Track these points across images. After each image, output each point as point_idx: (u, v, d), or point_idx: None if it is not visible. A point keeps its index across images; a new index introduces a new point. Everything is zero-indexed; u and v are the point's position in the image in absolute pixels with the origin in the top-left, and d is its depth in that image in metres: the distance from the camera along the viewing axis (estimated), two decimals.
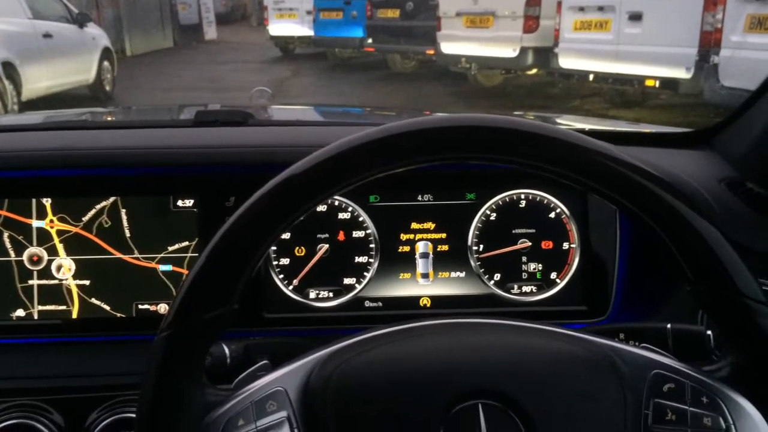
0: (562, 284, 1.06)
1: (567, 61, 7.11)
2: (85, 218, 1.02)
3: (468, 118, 0.63)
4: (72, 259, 1.02)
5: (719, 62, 5.34)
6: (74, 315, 1.02)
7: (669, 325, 0.81)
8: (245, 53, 14.91)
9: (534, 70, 7.98)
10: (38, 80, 7.57)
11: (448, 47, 8.65)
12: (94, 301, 1.02)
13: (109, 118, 1.70)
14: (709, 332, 0.79)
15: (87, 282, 1.02)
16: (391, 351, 0.64)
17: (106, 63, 9.41)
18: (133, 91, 9.97)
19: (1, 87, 6.78)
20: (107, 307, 1.03)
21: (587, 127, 1.53)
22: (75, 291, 1.02)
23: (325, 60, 12.57)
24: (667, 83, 6.07)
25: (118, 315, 1.03)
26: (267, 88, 1.82)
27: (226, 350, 0.83)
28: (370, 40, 10.41)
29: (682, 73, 5.81)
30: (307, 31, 12.33)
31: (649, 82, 6.26)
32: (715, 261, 0.61)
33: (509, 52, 7.78)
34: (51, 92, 7.96)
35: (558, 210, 1.06)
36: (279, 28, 13.19)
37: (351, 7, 11.05)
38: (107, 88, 9.47)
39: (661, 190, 0.62)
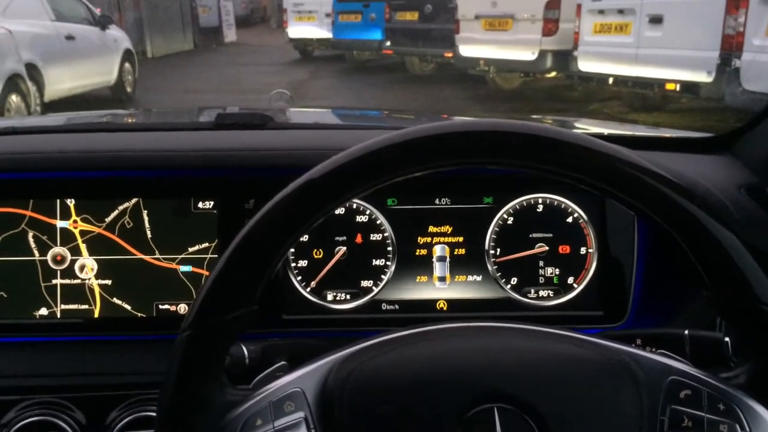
0: (579, 289, 1.06)
1: (586, 65, 7.06)
2: (108, 219, 1.04)
3: (489, 123, 0.63)
4: (94, 259, 1.04)
5: (741, 66, 5.28)
6: (96, 314, 1.04)
7: (686, 331, 0.81)
8: (264, 55, 15.00)
9: (553, 74, 7.94)
10: (61, 82, 7.67)
11: (466, 50, 8.64)
12: (115, 300, 1.04)
13: (131, 120, 1.73)
14: (726, 339, 0.79)
15: (109, 282, 1.04)
16: (407, 354, 0.65)
17: (127, 65, 9.52)
18: (154, 92, 10.07)
19: (24, 88, 6.88)
20: (128, 307, 1.04)
21: (606, 131, 1.52)
22: (97, 290, 1.04)
23: (344, 62, 12.61)
24: (688, 87, 6.00)
25: (139, 315, 1.04)
26: (286, 90, 1.84)
27: (245, 351, 0.84)
28: (388, 43, 10.43)
29: (703, 77, 5.75)
30: (326, 33, 12.38)
31: (669, 86, 6.20)
32: (734, 268, 0.61)
33: (528, 55, 7.76)
34: (73, 93, 8.05)
35: (576, 214, 1.06)
36: (298, 30, 13.25)
37: (370, 9, 11.07)
38: (128, 89, 9.57)
39: (680, 196, 0.62)
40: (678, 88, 6.13)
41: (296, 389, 0.63)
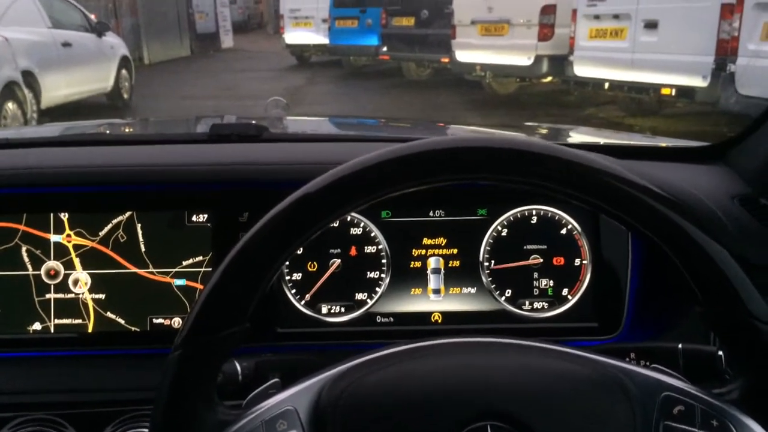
0: (573, 301, 1.06)
1: (582, 69, 7.08)
2: (102, 233, 1.03)
3: (481, 139, 0.64)
4: (88, 273, 1.04)
5: (736, 71, 5.30)
6: (90, 329, 1.04)
7: (680, 345, 0.81)
8: (261, 61, 15.02)
9: (549, 78, 7.96)
10: (57, 89, 7.67)
11: (462, 55, 8.66)
12: (109, 315, 1.04)
13: (126, 131, 1.72)
14: (720, 353, 0.79)
15: (102, 296, 1.04)
16: (401, 371, 0.65)
17: (124, 71, 9.52)
18: (151, 99, 10.07)
19: (21, 96, 6.87)
20: (122, 321, 1.04)
21: (601, 141, 1.53)
22: (91, 305, 1.04)
23: (340, 68, 12.62)
24: (684, 91, 6.02)
25: (133, 329, 1.04)
26: (282, 97, 1.84)
27: (238, 367, 0.84)
28: (385, 48, 10.44)
29: (698, 82, 5.76)
30: (322, 39, 12.40)
31: (665, 91, 6.22)
32: (725, 284, 0.61)
33: (524, 60, 7.77)
34: (70, 100, 8.05)
35: (570, 226, 1.06)
36: (295, 36, 13.27)
37: (366, 15, 11.09)
38: (125, 96, 9.57)
39: (671, 212, 0.62)
40: (673, 93, 6.16)
41: (289, 407, 0.63)
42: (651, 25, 6.28)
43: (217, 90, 10.61)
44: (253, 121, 1.36)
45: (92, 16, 9.19)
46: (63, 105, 7.84)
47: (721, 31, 5.50)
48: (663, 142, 1.55)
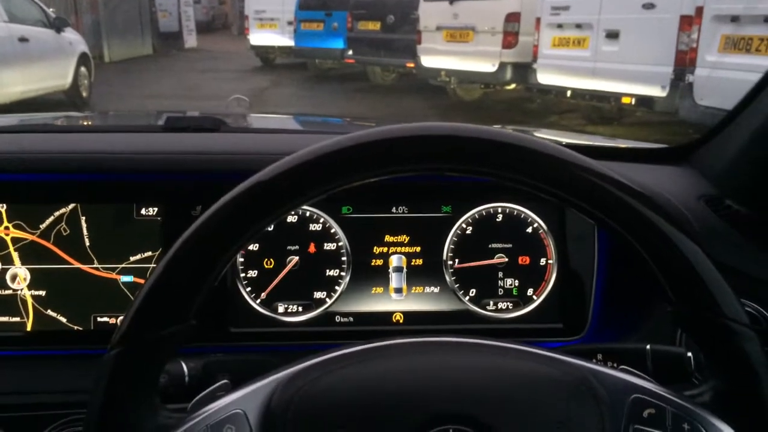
0: (538, 301, 1.03)
1: (545, 77, 7.16)
2: (43, 225, 0.97)
3: (444, 127, 0.60)
4: (27, 268, 0.97)
5: (694, 81, 5.41)
6: (29, 327, 0.97)
7: (648, 346, 0.78)
8: (225, 62, 14.83)
9: (513, 85, 8.03)
10: (13, 85, 7.44)
11: (428, 61, 8.68)
12: (50, 312, 0.97)
13: (82, 123, 1.65)
14: (689, 354, 0.77)
15: (43, 292, 0.97)
16: (357, 372, 0.60)
17: (83, 69, 9.29)
18: (111, 97, 9.83)
19: None
20: (64, 319, 0.98)
21: (565, 140, 1.51)
22: (30, 302, 0.97)
23: (306, 71, 12.55)
24: (643, 101, 6.13)
25: (75, 328, 0.98)
26: (245, 96, 1.78)
27: (185, 368, 0.78)
28: (350, 52, 10.42)
29: (657, 91, 5.88)
30: (287, 41, 12.32)
31: (625, 100, 6.32)
32: (698, 281, 0.59)
33: (488, 66, 7.83)
34: (26, 97, 7.82)
35: (535, 224, 1.04)
36: (260, 37, 13.16)
37: (332, 18, 11.06)
38: (84, 94, 9.34)
39: (643, 206, 0.59)
40: (634, 102, 6.26)
41: (237, 411, 0.58)
42: (612, 35, 6.39)
43: (179, 90, 10.43)
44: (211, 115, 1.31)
45: (51, 12, 8.95)
46: (19, 101, 7.60)
47: (680, 42, 5.62)
48: (627, 144, 1.54)
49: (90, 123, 1.61)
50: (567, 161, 0.59)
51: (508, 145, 0.59)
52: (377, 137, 0.58)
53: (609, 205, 0.59)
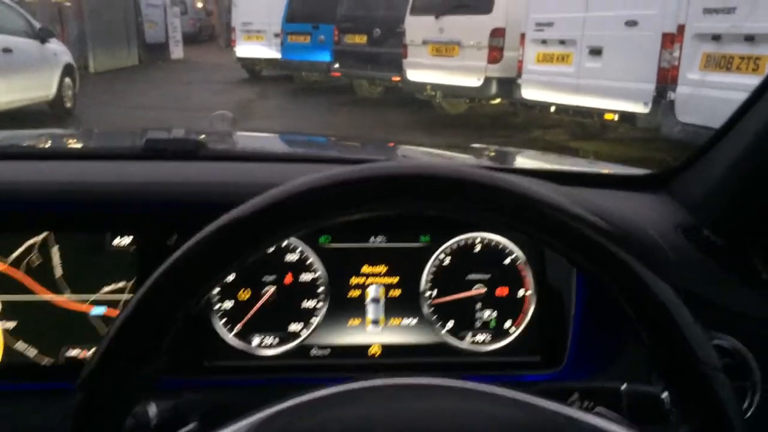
0: (516, 333, 1.03)
1: (529, 92, 7.22)
2: (14, 255, 0.95)
3: (421, 167, 0.59)
4: None
5: (676, 98, 5.47)
6: None
7: (623, 386, 0.78)
8: (212, 74, 14.82)
9: (497, 100, 8.09)
10: None
11: (414, 75, 8.73)
12: (18, 346, 0.95)
13: (62, 143, 1.62)
14: (665, 394, 0.76)
15: (12, 324, 0.95)
16: (329, 418, 0.59)
17: (67, 79, 9.23)
18: (95, 108, 9.77)
19: None
20: (32, 353, 0.95)
21: (545, 166, 1.51)
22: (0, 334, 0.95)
23: (292, 83, 12.57)
24: (626, 117, 6.19)
25: (44, 361, 0.96)
26: (232, 111, 1.76)
27: (154, 408, 0.77)
28: (336, 65, 10.45)
29: (640, 108, 5.94)
30: (274, 53, 12.34)
31: (608, 116, 6.38)
32: (671, 326, 0.58)
33: (474, 81, 7.88)
34: (9, 108, 7.75)
35: (514, 255, 1.03)
36: (246, 49, 13.18)
37: (319, 31, 11.10)
38: (68, 104, 9.27)
39: (612, 244, 0.58)
40: (616, 118, 6.32)
41: None
42: (595, 52, 6.46)
43: (165, 101, 10.39)
44: (193, 136, 1.29)
45: (36, 22, 8.89)
46: (2, 113, 7.53)
47: (662, 59, 5.69)
48: (607, 169, 1.55)
49: (68, 145, 1.59)
50: (539, 200, 0.58)
51: (479, 184, 0.58)
52: (353, 176, 0.57)
53: (583, 249, 0.59)
